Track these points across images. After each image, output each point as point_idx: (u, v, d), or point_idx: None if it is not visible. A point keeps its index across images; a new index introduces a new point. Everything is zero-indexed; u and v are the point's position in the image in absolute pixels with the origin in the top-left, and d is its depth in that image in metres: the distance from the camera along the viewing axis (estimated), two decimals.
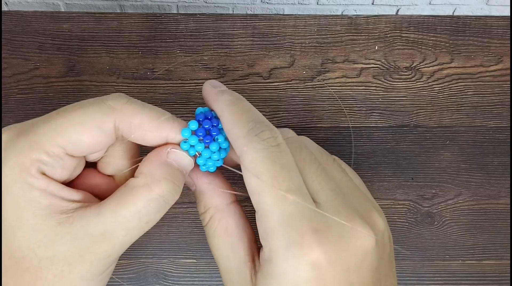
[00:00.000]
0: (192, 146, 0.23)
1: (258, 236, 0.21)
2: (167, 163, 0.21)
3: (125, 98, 0.21)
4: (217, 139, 0.24)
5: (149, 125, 0.21)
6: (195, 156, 0.24)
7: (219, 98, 0.23)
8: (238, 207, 0.24)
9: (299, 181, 0.20)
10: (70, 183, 0.22)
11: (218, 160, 0.24)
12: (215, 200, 0.24)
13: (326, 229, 0.19)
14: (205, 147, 0.23)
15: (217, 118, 0.24)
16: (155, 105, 0.46)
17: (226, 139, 0.24)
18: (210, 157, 0.24)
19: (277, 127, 0.23)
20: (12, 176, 0.19)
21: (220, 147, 0.24)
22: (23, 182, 0.19)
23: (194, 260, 0.42)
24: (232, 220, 0.23)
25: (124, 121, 0.20)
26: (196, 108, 0.24)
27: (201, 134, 0.23)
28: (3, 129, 0.21)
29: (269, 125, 0.22)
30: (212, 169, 0.25)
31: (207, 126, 0.23)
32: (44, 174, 0.19)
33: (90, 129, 0.20)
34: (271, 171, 0.19)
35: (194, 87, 0.44)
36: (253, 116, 0.22)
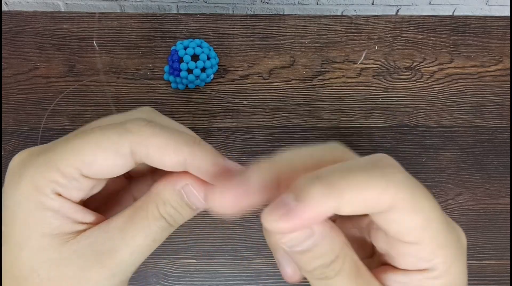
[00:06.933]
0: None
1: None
2: (179, 193, 0.21)
3: (144, 121, 0.20)
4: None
5: (166, 148, 0.19)
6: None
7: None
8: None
9: None
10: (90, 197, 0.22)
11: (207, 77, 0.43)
12: (340, 237, 0.19)
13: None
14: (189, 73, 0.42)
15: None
16: (155, 105, 0.45)
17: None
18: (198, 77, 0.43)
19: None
20: (25, 193, 0.19)
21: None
22: (36, 201, 0.19)
23: (194, 260, 0.42)
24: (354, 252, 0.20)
25: (140, 145, 0.19)
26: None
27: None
28: (27, 149, 0.21)
29: None
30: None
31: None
32: (59, 194, 0.19)
33: (104, 151, 0.19)
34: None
35: (194, 87, 0.44)
36: None
